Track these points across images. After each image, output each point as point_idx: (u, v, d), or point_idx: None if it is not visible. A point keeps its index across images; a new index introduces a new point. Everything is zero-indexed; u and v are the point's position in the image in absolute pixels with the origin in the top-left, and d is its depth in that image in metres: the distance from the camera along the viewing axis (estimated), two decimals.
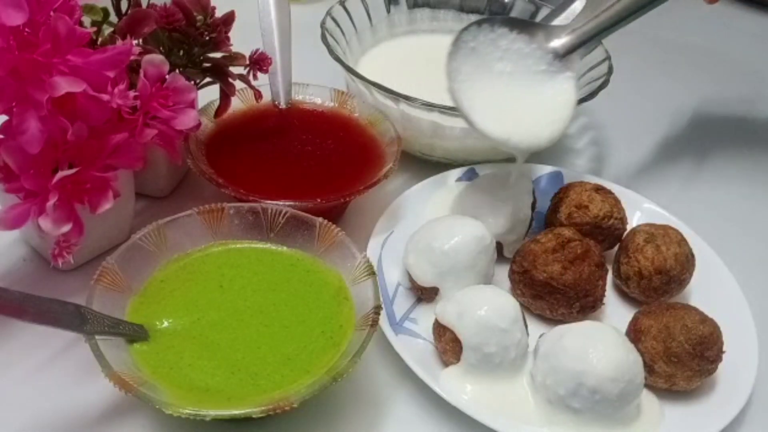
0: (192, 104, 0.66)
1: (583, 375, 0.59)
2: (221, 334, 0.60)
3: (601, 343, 0.60)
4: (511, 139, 0.73)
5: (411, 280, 0.70)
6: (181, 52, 0.70)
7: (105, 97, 0.58)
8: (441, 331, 0.64)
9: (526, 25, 0.78)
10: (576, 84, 0.77)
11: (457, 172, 0.83)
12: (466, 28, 0.76)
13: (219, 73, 0.73)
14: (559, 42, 0.77)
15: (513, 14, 1.02)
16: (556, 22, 0.95)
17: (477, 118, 0.73)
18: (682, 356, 0.62)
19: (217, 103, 0.76)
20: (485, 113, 0.74)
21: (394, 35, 1.02)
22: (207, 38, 0.70)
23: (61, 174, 0.58)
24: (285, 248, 0.67)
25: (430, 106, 0.80)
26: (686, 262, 0.71)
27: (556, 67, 0.76)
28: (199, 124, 0.67)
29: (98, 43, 0.65)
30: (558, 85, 0.77)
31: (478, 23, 0.76)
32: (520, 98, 0.76)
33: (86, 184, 0.60)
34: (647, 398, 0.64)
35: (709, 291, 0.73)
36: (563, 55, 0.77)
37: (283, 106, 0.82)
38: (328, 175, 0.76)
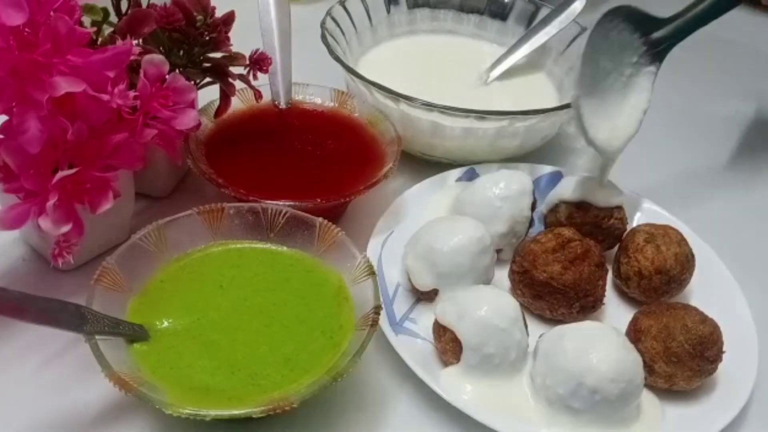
0: (192, 104, 0.66)
1: (583, 375, 0.59)
2: (221, 334, 0.60)
3: (601, 343, 0.60)
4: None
5: (411, 282, 0.70)
6: (181, 52, 0.70)
7: (105, 97, 0.58)
8: (441, 331, 0.64)
9: (639, 17, 0.77)
10: (653, 80, 0.78)
11: (457, 172, 0.83)
12: (603, 21, 0.74)
13: (219, 73, 0.73)
14: (658, 34, 0.77)
15: (513, 14, 1.02)
16: (556, 22, 0.95)
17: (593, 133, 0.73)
18: (682, 356, 0.62)
19: (217, 103, 0.76)
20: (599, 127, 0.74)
21: (394, 35, 1.02)
22: (207, 38, 0.70)
23: (61, 174, 0.58)
24: (285, 248, 0.67)
25: (430, 106, 0.80)
26: (686, 262, 0.71)
27: (644, 60, 0.77)
28: (199, 124, 0.67)
29: (98, 43, 0.65)
30: (638, 84, 0.77)
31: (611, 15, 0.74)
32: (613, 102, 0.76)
33: (86, 184, 0.60)
34: (648, 398, 0.64)
35: (709, 291, 0.73)
36: (657, 47, 0.77)
37: (283, 106, 0.82)
38: (328, 175, 0.76)
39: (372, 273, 0.62)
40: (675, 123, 1.04)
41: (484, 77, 0.96)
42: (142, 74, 0.62)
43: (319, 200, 0.70)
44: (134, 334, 0.59)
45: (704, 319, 0.64)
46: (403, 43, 1.02)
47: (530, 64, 0.98)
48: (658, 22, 0.77)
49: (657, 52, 0.78)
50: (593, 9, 0.94)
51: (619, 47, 0.75)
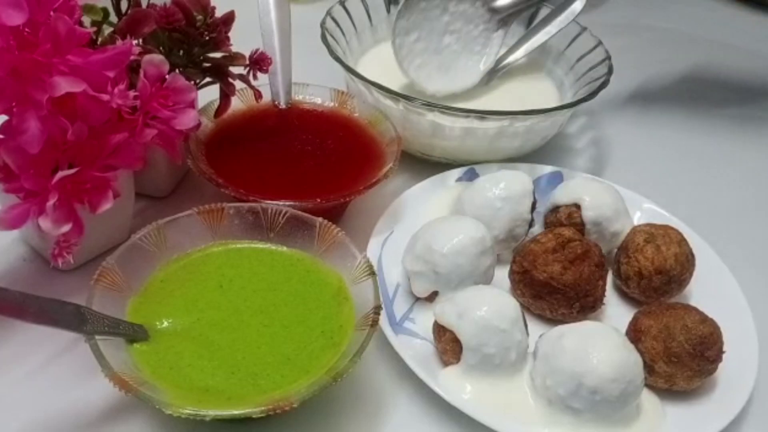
0: (192, 104, 0.66)
1: (583, 375, 0.59)
2: (221, 334, 0.60)
3: (601, 343, 0.60)
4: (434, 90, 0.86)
5: (411, 286, 0.70)
6: (181, 52, 0.70)
7: (105, 97, 0.58)
8: (441, 331, 0.64)
9: None
10: (499, 43, 0.89)
11: (457, 172, 0.83)
12: None
13: (219, 73, 0.73)
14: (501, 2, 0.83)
15: None
16: (556, 22, 0.95)
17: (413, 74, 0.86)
18: (682, 356, 0.62)
19: (217, 103, 0.76)
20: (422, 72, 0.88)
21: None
22: (207, 38, 0.70)
23: (61, 174, 0.58)
24: (285, 248, 0.67)
25: (430, 106, 0.80)
26: (686, 262, 0.71)
27: (492, 26, 0.82)
28: (199, 124, 0.67)
29: (98, 43, 0.65)
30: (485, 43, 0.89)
31: None
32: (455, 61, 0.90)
33: (86, 184, 0.60)
34: (649, 398, 0.64)
35: (709, 291, 0.73)
36: (503, 15, 0.82)
37: (283, 106, 0.82)
38: (328, 175, 0.76)
39: (372, 273, 0.62)
40: (675, 123, 1.04)
41: (484, 78, 0.96)
42: (142, 74, 0.62)
43: (319, 200, 0.70)
44: (134, 334, 0.59)
45: (704, 319, 0.64)
46: None
47: (530, 64, 0.98)
48: None
49: (502, 19, 0.85)
50: (593, 9, 0.94)
51: (462, 19, 0.85)
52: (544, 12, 0.99)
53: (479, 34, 0.91)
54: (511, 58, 0.97)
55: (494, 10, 0.89)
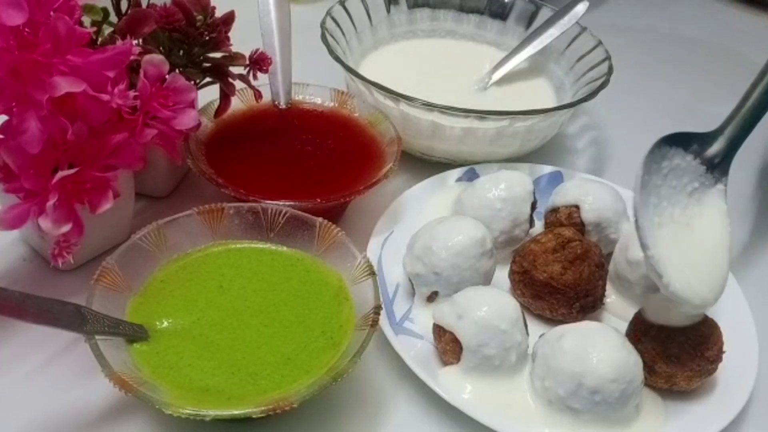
0: (192, 104, 0.66)
1: (583, 376, 0.59)
2: (221, 334, 0.60)
3: (601, 343, 0.60)
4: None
5: (412, 285, 0.70)
6: (181, 52, 0.70)
7: (105, 97, 0.58)
8: (441, 331, 0.64)
9: (683, 138, 0.69)
10: (725, 198, 0.67)
11: (457, 172, 0.83)
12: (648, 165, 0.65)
13: (219, 73, 0.73)
14: (712, 149, 0.68)
15: (513, 14, 1.02)
16: (559, 24, 0.95)
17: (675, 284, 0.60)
18: (682, 356, 0.62)
19: (217, 103, 0.76)
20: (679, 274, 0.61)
21: (394, 35, 1.02)
22: (207, 38, 0.70)
23: (61, 174, 0.58)
24: (285, 248, 0.67)
25: (430, 106, 0.80)
26: None
27: (708, 181, 0.67)
28: (199, 124, 0.67)
29: (98, 43, 0.65)
30: (709, 209, 0.66)
31: (655, 151, 0.66)
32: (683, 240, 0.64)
33: (86, 184, 0.60)
34: (651, 398, 0.64)
35: None
36: (717, 164, 0.68)
37: (283, 106, 0.82)
38: (328, 175, 0.76)
39: (372, 273, 0.62)
40: (675, 123, 1.03)
41: (486, 80, 0.96)
42: (142, 74, 0.62)
43: (319, 200, 0.70)
44: (134, 334, 0.59)
45: (704, 319, 0.64)
46: (402, 46, 1.02)
47: (530, 65, 0.98)
48: (707, 137, 0.69)
49: (718, 167, 0.68)
50: (593, 9, 0.94)
51: (675, 178, 0.66)
52: (544, 12, 0.99)
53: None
54: (513, 61, 0.97)
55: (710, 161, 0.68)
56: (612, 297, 0.72)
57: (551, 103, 0.93)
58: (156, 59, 0.63)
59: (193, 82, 0.69)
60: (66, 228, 0.59)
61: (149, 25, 0.66)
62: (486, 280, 0.69)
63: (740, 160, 0.97)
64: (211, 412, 0.52)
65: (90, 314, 0.56)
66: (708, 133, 0.70)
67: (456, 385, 0.62)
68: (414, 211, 0.78)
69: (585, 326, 0.63)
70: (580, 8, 0.95)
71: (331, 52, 0.86)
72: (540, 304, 0.70)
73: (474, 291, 0.65)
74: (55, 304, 0.55)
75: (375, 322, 0.58)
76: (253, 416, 0.53)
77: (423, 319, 0.68)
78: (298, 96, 0.84)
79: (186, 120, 0.64)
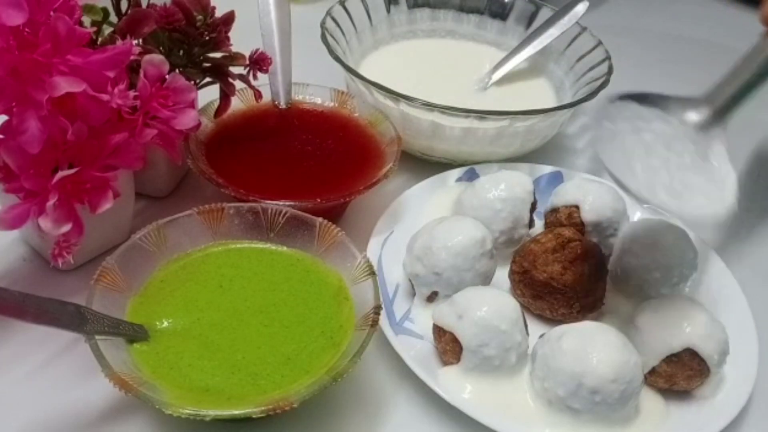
0: (192, 104, 0.66)
1: (583, 376, 0.59)
2: (221, 334, 0.60)
3: (600, 344, 0.60)
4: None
5: (412, 285, 0.70)
6: (181, 52, 0.70)
7: (105, 97, 0.58)
8: (441, 331, 0.64)
9: (656, 100, 0.71)
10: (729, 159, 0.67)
11: (457, 172, 0.83)
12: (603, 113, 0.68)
13: (219, 73, 0.73)
14: (697, 115, 0.69)
15: (513, 14, 1.02)
16: (559, 24, 0.95)
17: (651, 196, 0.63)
18: (682, 356, 0.62)
19: (217, 103, 0.76)
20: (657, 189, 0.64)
21: (393, 35, 1.02)
22: (207, 38, 0.70)
23: (61, 174, 0.58)
24: (285, 248, 0.67)
25: (430, 106, 0.80)
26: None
27: (703, 143, 0.67)
28: (199, 124, 0.67)
29: (98, 43, 0.65)
30: (714, 164, 0.66)
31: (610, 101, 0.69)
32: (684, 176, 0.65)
33: (86, 184, 0.60)
34: (651, 398, 0.64)
35: (709, 291, 0.73)
36: (705, 129, 0.68)
37: (283, 106, 0.82)
38: (328, 175, 0.76)
39: (372, 273, 0.62)
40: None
41: (486, 80, 0.96)
42: (142, 74, 0.62)
43: (319, 200, 0.70)
44: (134, 334, 0.59)
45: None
46: (402, 46, 1.02)
47: (530, 65, 0.98)
48: (689, 103, 0.70)
49: (709, 134, 0.67)
50: (593, 9, 0.94)
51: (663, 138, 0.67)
52: (544, 12, 0.99)
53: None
54: (513, 61, 0.97)
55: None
56: (612, 297, 0.72)
57: (551, 103, 0.93)
58: (156, 59, 0.63)
59: (193, 82, 0.69)
60: (66, 228, 0.59)
61: (149, 25, 0.66)
62: (486, 280, 0.69)
63: (739, 159, 0.98)
64: (211, 412, 0.52)
65: (90, 314, 0.56)
66: (687, 99, 0.71)
67: (456, 385, 0.62)
68: (414, 211, 0.78)
69: (585, 326, 0.63)
70: (580, 8, 0.95)
71: (331, 52, 0.86)
72: (540, 304, 0.70)
73: (474, 291, 0.65)
74: (55, 304, 0.55)
75: (375, 322, 0.58)
76: (253, 416, 0.53)
77: (423, 319, 0.68)
78: (298, 96, 0.84)
79: (186, 120, 0.64)
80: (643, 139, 0.67)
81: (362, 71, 0.87)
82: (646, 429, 0.62)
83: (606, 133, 0.67)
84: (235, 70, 0.73)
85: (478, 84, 0.96)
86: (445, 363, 0.65)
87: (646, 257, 0.70)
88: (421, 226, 0.71)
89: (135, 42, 0.63)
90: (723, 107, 0.69)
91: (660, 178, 0.64)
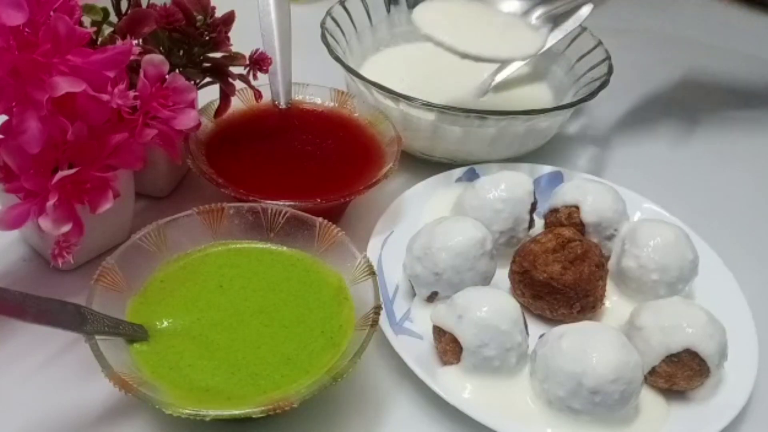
0: (192, 104, 0.66)
1: (583, 376, 0.59)
2: (221, 334, 0.60)
3: (600, 344, 0.60)
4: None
5: (412, 286, 0.70)
6: (181, 52, 0.70)
7: (105, 97, 0.58)
8: (441, 331, 0.64)
9: None
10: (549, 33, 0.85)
11: (457, 172, 0.83)
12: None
13: (219, 73, 0.73)
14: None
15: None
16: (563, 27, 0.95)
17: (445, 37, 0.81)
18: (682, 356, 0.62)
19: (217, 103, 0.76)
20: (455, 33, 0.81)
21: (393, 36, 1.02)
22: (207, 38, 0.70)
23: (61, 174, 0.58)
24: (285, 248, 0.67)
25: (430, 106, 0.80)
26: None
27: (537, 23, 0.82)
28: (199, 124, 0.67)
29: (98, 43, 0.65)
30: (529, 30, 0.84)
31: None
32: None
33: (86, 184, 0.60)
34: (651, 398, 0.64)
35: (709, 291, 0.73)
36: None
37: (283, 106, 0.82)
38: (328, 175, 0.76)
39: (372, 273, 0.62)
40: (675, 123, 1.04)
41: (488, 82, 0.96)
42: (142, 74, 0.62)
43: (319, 200, 0.70)
44: (134, 334, 0.59)
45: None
46: (403, 49, 1.02)
47: (530, 66, 0.98)
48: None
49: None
50: (594, 9, 0.94)
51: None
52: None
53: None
54: (515, 64, 0.96)
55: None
56: (612, 297, 0.72)
57: (551, 104, 0.93)
58: (156, 59, 0.63)
59: (193, 82, 0.69)
60: (66, 228, 0.59)
61: (149, 25, 0.66)
62: (486, 280, 0.69)
63: (739, 160, 0.98)
64: (211, 412, 0.52)
65: (90, 314, 0.56)
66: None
67: (456, 385, 0.62)
68: (414, 211, 0.78)
69: (585, 326, 0.63)
70: (585, 11, 0.94)
71: (331, 52, 0.86)
72: (540, 304, 0.70)
73: (474, 291, 0.65)
74: (55, 304, 0.55)
75: (375, 322, 0.58)
76: (253, 416, 0.53)
77: (423, 319, 0.68)
78: (298, 96, 0.84)
79: (186, 120, 0.64)
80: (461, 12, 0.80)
81: (362, 73, 0.87)
82: (646, 429, 0.62)
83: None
84: (235, 70, 0.73)
85: (480, 87, 0.96)
86: (445, 363, 0.65)
87: (646, 258, 0.70)
88: (421, 226, 0.71)
89: (135, 42, 0.63)
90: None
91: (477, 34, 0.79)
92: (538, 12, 0.85)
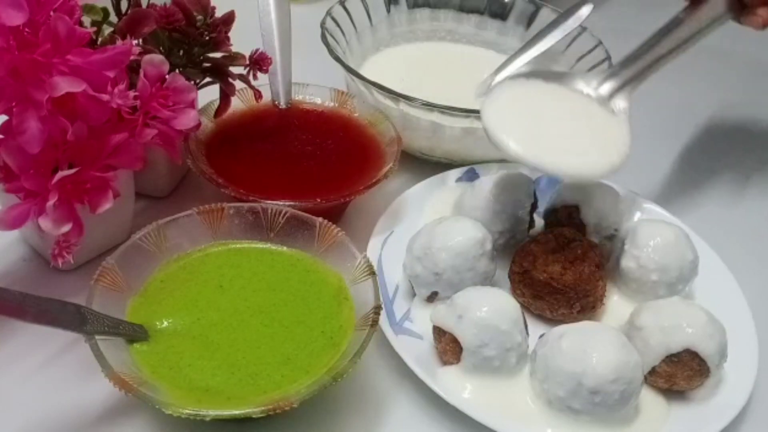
0: (192, 104, 0.66)
1: (583, 376, 0.59)
2: (221, 334, 0.60)
3: (600, 344, 0.60)
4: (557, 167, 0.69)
5: (412, 286, 0.70)
6: (181, 52, 0.70)
7: (105, 97, 0.58)
8: (440, 331, 0.64)
9: (559, 76, 0.75)
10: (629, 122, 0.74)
11: (457, 172, 0.83)
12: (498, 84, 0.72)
13: (219, 73, 0.73)
14: (602, 87, 0.75)
15: (513, 14, 1.02)
16: (563, 27, 0.95)
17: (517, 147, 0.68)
18: (682, 356, 0.62)
19: (217, 103, 0.76)
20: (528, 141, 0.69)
21: (393, 36, 1.02)
22: (207, 38, 0.70)
23: (61, 174, 0.58)
24: (285, 248, 0.67)
25: (430, 106, 0.80)
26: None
27: (607, 109, 0.74)
28: (199, 124, 0.67)
29: (98, 43, 0.65)
30: (612, 120, 0.74)
31: (511, 78, 0.74)
32: (571, 129, 0.72)
33: (86, 184, 0.60)
34: (651, 398, 0.64)
35: (709, 291, 0.73)
36: (609, 98, 0.74)
37: (283, 106, 0.82)
38: (328, 175, 0.76)
39: (372, 273, 0.62)
40: (675, 124, 1.04)
41: (488, 82, 0.96)
42: (142, 74, 0.62)
43: (319, 200, 0.70)
44: (134, 334, 0.59)
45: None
46: (403, 49, 1.02)
47: (529, 67, 0.98)
48: (591, 76, 0.75)
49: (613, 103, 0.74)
50: (594, 10, 0.94)
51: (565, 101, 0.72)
52: (544, 12, 0.99)
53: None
54: (516, 63, 0.96)
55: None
56: (612, 297, 0.72)
57: None
58: (156, 59, 0.63)
59: (193, 82, 0.69)
60: (66, 228, 0.59)
61: (149, 25, 0.66)
62: (486, 280, 0.69)
63: (739, 160, 0.98)
64: (211, 412, 0.52)
65: (90, 314, 0.56)
66: (589, 74, 0.77)
67: (456, 385, 0.62)
68: (414, 211, 0.78)
69: (585, 326, 0.63)
70: (585, 11, 0.94)
71: (331, 52, 0.86)
72: (540, 304, 0.70)
73: (474, 291, 0.65)
74: (55, 304, 0.55)
75: (375, 322, 0.58)
76: (253, 416, 0.53)
77: (423, 319, 0.68)
78: (298, 96, 0.84)
79: (186, 120, 0.64)
80: (532, 104, 0.72)
81: (362, 69, 0.87)
82: (646, 429, 0.62)
83: (494, 95, 0.72)
84: (235, 70, 0.73)
85: (480, 87, 0.96)
86: (445, 363, 0.65)
87: (646, 258, 0.70)
88: (421, 226, 0.71)
89: (135, 42, 0.63)
90: (630, 80, 0.75)
91: (544, 139, 0.69)
92: (611, 84, 0.75)
